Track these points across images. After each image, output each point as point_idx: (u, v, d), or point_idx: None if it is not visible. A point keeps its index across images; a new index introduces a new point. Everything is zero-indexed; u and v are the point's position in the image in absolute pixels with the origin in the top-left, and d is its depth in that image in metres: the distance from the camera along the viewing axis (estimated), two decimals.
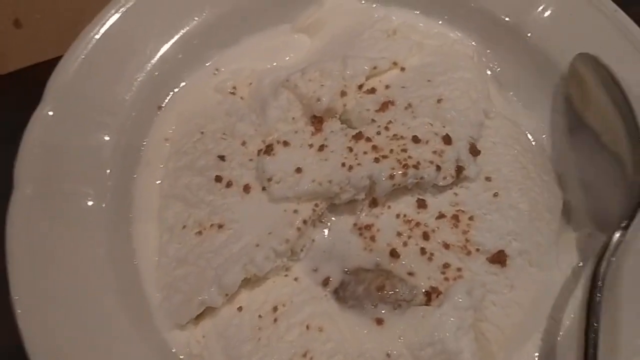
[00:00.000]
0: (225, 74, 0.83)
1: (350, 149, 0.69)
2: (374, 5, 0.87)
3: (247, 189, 0.70)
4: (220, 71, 0.83)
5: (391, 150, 0.69)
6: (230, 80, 0.81)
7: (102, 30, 0.78)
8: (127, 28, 0.79)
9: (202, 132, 0.76)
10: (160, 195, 0.74)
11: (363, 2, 0.88)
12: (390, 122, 0.72)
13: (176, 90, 0.82)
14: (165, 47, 0.81)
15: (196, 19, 0.83)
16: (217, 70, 0.83)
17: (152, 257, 0.71)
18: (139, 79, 0.79)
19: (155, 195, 0.75)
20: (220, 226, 0.68)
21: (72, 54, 0.76)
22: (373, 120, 0.72)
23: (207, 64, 0.84)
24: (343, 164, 0.68)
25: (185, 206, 0.71)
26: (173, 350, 0.65)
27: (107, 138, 0.73)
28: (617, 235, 0.63)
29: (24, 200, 0.67)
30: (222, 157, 0.72)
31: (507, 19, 0.82)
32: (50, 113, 0.71)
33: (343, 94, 0.75)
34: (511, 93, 0.82)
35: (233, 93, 0.80)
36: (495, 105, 0.78)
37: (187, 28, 0.82)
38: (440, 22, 0.86)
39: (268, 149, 0.71)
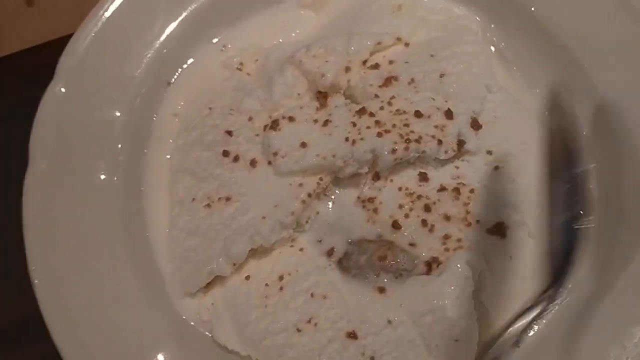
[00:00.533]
0: (232, 51, 0.84)
1: (354, 124, 0.71)
2: None
3: (253, 163, 0.72)
4: (228, 48, 0.85)
5: (394, 125, 0.70)
6: (237, 56, 0.83)
7: (112, 8, 0.79)
8: (136, 6, 0.81)
9: (210, 108, 0.78)
10: (170, 169, 0.77)
11: None
12: (393, 97, 0.73)
13: (184, 66, 0.83)
14: (173, 25, 0.82)
15: None
16: (225, 47, 0.85)
17: (163, 229, 0.74)
18: (147, 56, 0.81)
19: (166, 170, 0.77)
20: (228, 199, 0.71)
21: (83, 32, 0.78)
22: (376, 96, 0.73)
23: (214, 41, 0.85)
24: (347, 139, 0.70)
25: (195, 180, 0.74)
26: (184, 317, 0.68)
27: (117, 114, 0.75)
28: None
29: (39, 174, 0.69)
30: (229, 132, 0.74)
31: None
32: (63, 90, 0.74)
33: (347, 69, 0.76)
34: (515, 68, 0.82)
35: (240, 69, 0.82)
36: (498, 80, 0.79)
37: (195, 5, 0.83)
38: None
39: (274, 124, 0.73)
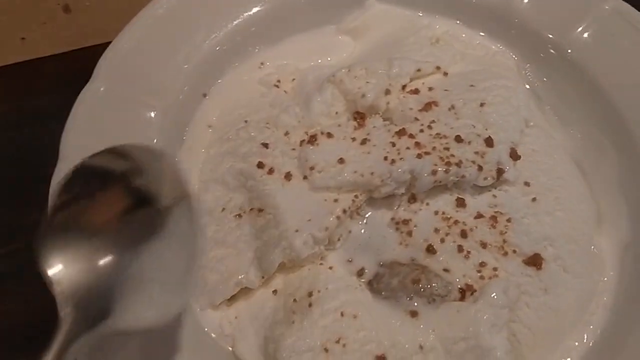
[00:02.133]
0: (269, 68, 0.85)
1: (393, 144, 0.71)
2: (420, 14, 0.89)
3: (288, 176, 0.71)
4: (265, 65, 0.85)
5: (434, 148, 0.70)
6: (274, 74, 0.83)
7: (154, 16, 0.80)
8: (179, 16, 0.82)
9: (245, 121, 0.77)
10: (200, 179, 0.75)
11: (407, 12, 0.90)
12: (433, 121, 0.73)
13: (221, 80, 0.84)
14: (214, 38, 0.83)
15: (245, 14, 0.85)
16: (262, 64, 0.85)
17: None
18: (186, 66, 0.81)
19: (195, 179, 0.76)
20: (260, 210, 0.69)
21: (125, 36, 0.79)
22: (416, 119, 0.73)
23: (252, 58, 0.85)
24: (385, 158, 0.69)
25: (226, 190, 0.73)
26: (205, 329, 0.66)
27: (152, 116, 0.75)
28: None
29: None
30: (265, 145, 0.74)
31: (549, 35, 0.83)
32: (102, 89, 0.73)
33: (387, 92, 0.76)
34: (548, 107, 0.83)
35: (277, 86, 0.82)
36: (534, 116, 0.79)
37: (237, 21, 0.84)
38: (482, 34, 0.88)
39: (312, 139, 0.73)
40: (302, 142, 0.74)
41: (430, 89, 0.78)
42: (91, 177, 0.52)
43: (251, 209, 0.70)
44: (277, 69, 0.84)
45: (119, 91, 0.75)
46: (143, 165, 0.55)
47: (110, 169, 0.54)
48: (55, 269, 0.48)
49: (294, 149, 0.74)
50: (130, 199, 0.54)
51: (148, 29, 0.79)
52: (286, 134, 0.76)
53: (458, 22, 0.89)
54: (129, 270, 0.50)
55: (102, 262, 0.50)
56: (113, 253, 0.51)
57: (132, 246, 0.52)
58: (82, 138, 0.71)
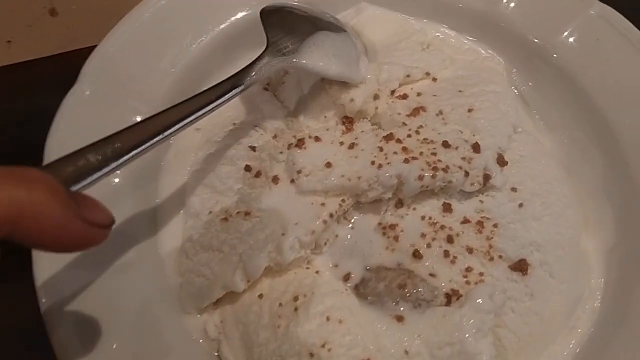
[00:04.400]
0: None
1: (381, 149, 0.71)
2: (411, 19, 0.89)
3: (275, 180, 0.71)
4: None
5: (421, 153, 0.70)
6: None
7: (141, 20, 0.80)
8: (165, 20, 0.81)
9: (234, 124, 0.77)
10: (188, 182, 0.75)
11: (400, 15, 0.90)
12: (421, 126, 0.73)
13: (208, 84, 0.83)
14: (200, 41, 0.82)
15: (232, 18, 0.85)
16: None
17: (174, 242, 0.71)
18: (172, 70, 0.80)
19: (182, 183, 0.75)
20: (247, 214, 0.69)
21: (110, 40, 0.78)
22: (404, 124, 0.74)
23: (240, 61, 0.84)
24: (373, 162, 0.69)
25: (213, 193, 0.72)
26: (190, 333, 0.66)
27: (138, 120, 0.74)
28: None
29: None
30: (252, 148, 0.73)
31: (534, 40, 0.84)
32: (87, 92, 0.73)
33: (376, 97, 0.76)
34: (534, 111, 0.84)
35: (266, 89, 0.82)
36: (522, 121, 0.80)
37: (223, 25, 0.84)
38: (470, 39, 0.88)
39: (299, 143, 0.73)
40: (289, 145, 0.74)
41: (418, 94, 0.78)
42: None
43: (237, 212, 0.69)
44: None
45: (104, 94, 0.74)
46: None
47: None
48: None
49: (281, 153, 0.74)
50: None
51: (134, 32, 0.78)
52: (275, 137, 0.75)
53: (447, 26, 0.90)
54: (312, 38, 0.73)
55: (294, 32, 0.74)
56: (301, 28, 0.75)
57: (315, 28, 0.75)
58: (66, 141, 0.70)
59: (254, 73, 0.67)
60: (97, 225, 0.44)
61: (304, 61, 0.70)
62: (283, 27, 0.73)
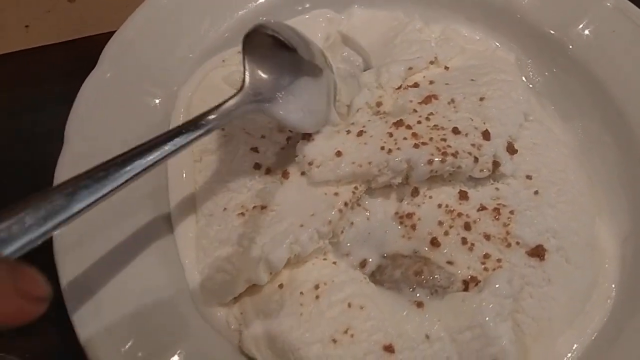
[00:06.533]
0: None
1: (390, 135, 0.71)
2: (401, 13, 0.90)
3: (285, 174, 0.72)
4: None
5: (431, 139, 0.70)
6: None
7: (161, 4, 0.81)
8: (184, 5, 0.82)
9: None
10: (197, 181, 0.75)
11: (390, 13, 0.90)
12: (431, 113, 0.73)
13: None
14: (218, 29, 0.83)
15: (250, 4, 0.86)
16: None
17: (190, 241, 0.71)
18: (190, 56, 0.81)
19: (191, 182, 0.75)
20: (263, 207, 0.69)
21: (130, 24, 0.79)
22: (414, 111, 0.74)
23: None
24: (382, 147, 0.69)
25: (226, 191, 0.73)
26: (211, 327, 0.66)
27: (157, 103, 0.76)
28: None
29: (73, 156, 0.68)
30: (255, 149, 0.75)
31: (551, 31, 0.84)
32: (108, 75, 0.73)
33: (379, 104, 0.77)
34: (549, 102, 0.84)
35: None
36: (534, 111, 0.80)
37: (241, 12, 0.85)
38: (483, 30, 0.89)
39: (306, 135, 0.72)
40: (288, 138, 0.75)
41: (431, 82, 0.79)
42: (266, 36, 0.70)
43: (254, 207, 0.70)
44: None
45: (123, 78, 0.75)
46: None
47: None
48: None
49: (283, 148, 0.75)
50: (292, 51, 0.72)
51: (153, 17, 0.79)
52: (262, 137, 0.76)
53: (460, 17, 0.90)
54: (290, 86, 0.69)
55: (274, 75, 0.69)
56: (282, 72, 0.69)
57: (295, 75, 0.71)
58: (86, 122, 0.71)
59: (224, 115, 0.62)
60: (34, 298, 0.38)
61: (280, 112, 0.67)
62: (264, 63, 0.68)
